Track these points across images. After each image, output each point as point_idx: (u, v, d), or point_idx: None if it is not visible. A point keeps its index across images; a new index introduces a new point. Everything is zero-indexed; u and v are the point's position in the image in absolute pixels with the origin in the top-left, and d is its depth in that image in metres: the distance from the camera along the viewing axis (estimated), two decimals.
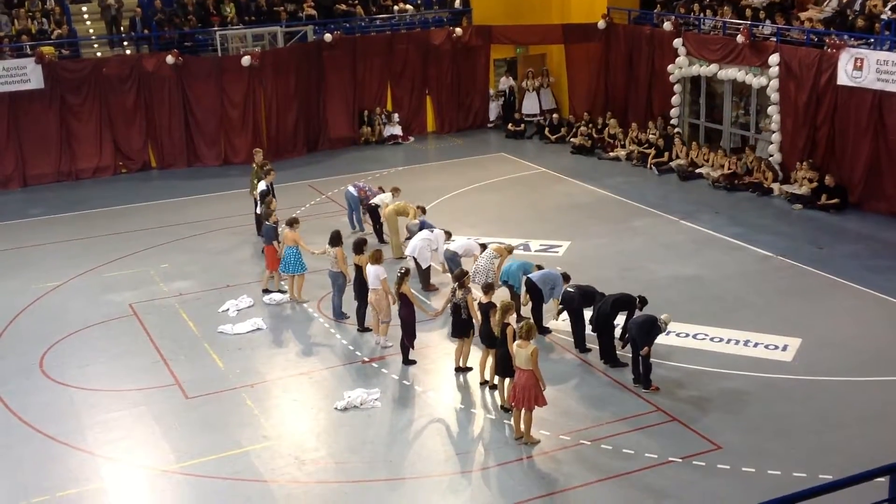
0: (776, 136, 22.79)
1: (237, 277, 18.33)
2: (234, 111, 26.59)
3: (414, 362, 14.66)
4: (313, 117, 27.85)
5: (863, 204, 20.97)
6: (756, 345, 14.80)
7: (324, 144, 28.03)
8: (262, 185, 19.45)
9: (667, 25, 25.73)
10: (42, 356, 15.36)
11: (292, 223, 17.14)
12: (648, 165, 24.80)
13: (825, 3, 22.39)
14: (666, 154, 24.82)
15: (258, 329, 16.07)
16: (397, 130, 28.81)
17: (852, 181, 21.07)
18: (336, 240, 16.18)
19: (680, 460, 11.83)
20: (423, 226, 17.90)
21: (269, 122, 26.85)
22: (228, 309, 16.83)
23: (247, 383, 14.24)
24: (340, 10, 28.60)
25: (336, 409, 13.39)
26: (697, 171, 23.94)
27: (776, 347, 14.70)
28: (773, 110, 22.77)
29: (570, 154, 26.63)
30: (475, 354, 14.24)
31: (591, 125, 27.22)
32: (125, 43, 26.80)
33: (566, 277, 15.05)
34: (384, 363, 14.77)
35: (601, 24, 27.71)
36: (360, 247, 15.63)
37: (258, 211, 19.41)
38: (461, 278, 14.18)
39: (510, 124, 29.14)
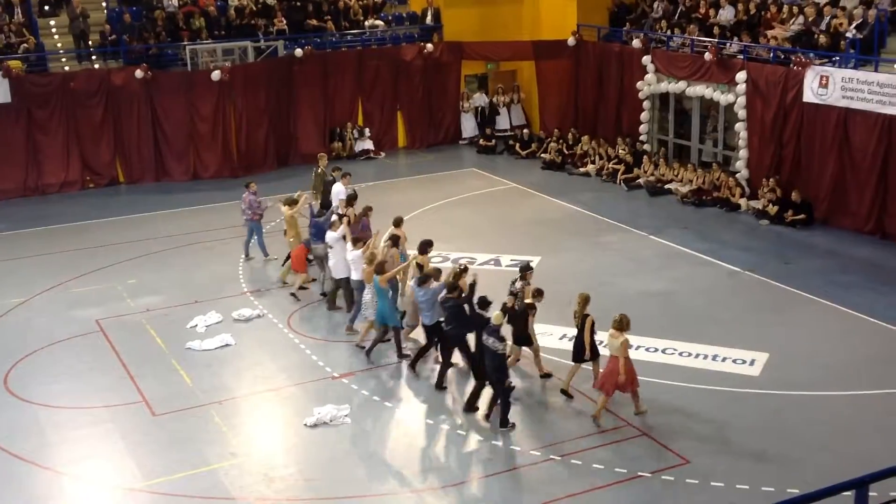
0: (743, 153, 23.02)
1: (205, 293, 18.19)
2: (204, 126, 26.47)
3: (412, 365, 14.92)
4: (284, 132, 27.79)
5: (829, 220, 21.21)
6: (724, 359, 14.90)
7: (294, 159, 27.96)
8: (339, 188, 19.49)
9: (636, 43, 25.96)
10: (6, 373, 15.13)
11: (398, 224, 17.43)
12: (618, 181, 24.96)
13: (791, 22, 22.69)
14: (635, 170, 25.00)
15: (227, 345, 15.95)
16: (368, 145, 28.80)
17: (818, 197, 21.31)
18: (395, 243, 16.58)
19: (649, 475, 11.86)
20: (320, 229, 17.34)
21: (239, 137, 26.74)
22: (196, 325, 16.70)
23: (215, 400, 14.11)
24: (311, 26, 28.59)
25: (306, 425, 13.31)
26: (666, 186, 24.13)
27: (744, 362, 14.80)
28: (740, 127, 23.02)
29: (540, 169, 26.75)
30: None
31: (561, 141, 27.36)
32: (93, 57, 26.61)
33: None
34: (354, 379, 14.69)
35: (571, 41, 27.92)
36: (424, 248, 16.02)
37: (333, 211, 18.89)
38: (525, 270, 14.75)
39: (482, 139, 29.26)
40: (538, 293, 14.22)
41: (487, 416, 13.28)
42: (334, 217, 17.15)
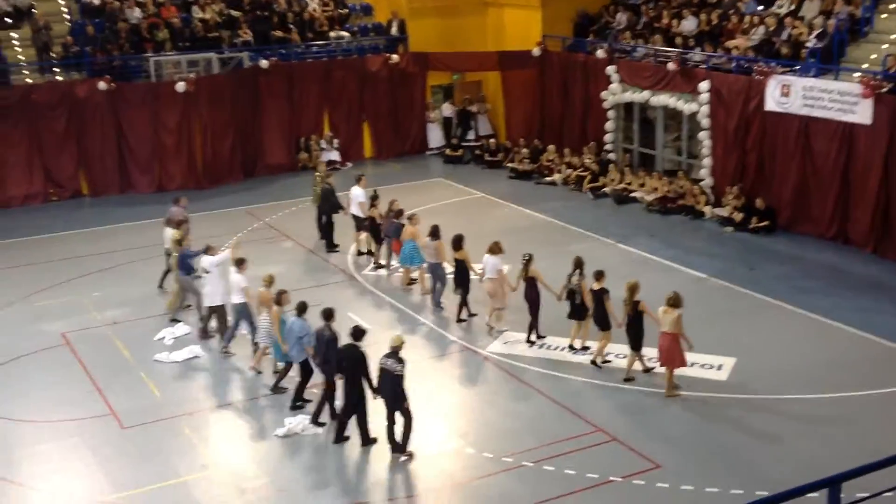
0: (707, 161, 23.30)
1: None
2: (169, 137, 26.29)
3: (539, 338, 15.89)
4: (250, 143, 27.67)
5: (791, 226, 21.50)
6: (692, 364, 15.00)
7: (261, 170, 27.87)
8: (358, 192, 20.26)
9: (600, 53, 26.20)
10: None
11: (412, 218, 18.56)
12: (584, 190, 25.15)
13: (752, 32, 23.03)
14: (601, 179, 25.20)
15: (196, 357, 15.85)
16: (335, 156, 28.75)
17: (781, 204, 21.61)
18: (435, 234, 17.32)
19: (620, 480, 11.95)
20: (185, 260, 16.76)
21: (205, 149, 26.59)
22: (164, 337, 16.57)
23: (185, 412, 14.02)
24: (276, 37, 28.54)
25: (277, 436, 13.25)
26: (632, 195, 24.35)
27: (712, 367, 14.97)
28: (704, 136, 23.30)
29: (507, 179, 26.88)
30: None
31: (530, 149, 27.51)
32: (56, 69, 26.35)
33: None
34: None
35: (536, 51, 28.11)
36: (458, 243, 16.69)
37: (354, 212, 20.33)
38: (580, 266, 15.20)
39: (448, 150, 29.34)
40: (599, 275, 14.93)
41: (399, 448, 12.62)
42: (226, 251, 16.66)
